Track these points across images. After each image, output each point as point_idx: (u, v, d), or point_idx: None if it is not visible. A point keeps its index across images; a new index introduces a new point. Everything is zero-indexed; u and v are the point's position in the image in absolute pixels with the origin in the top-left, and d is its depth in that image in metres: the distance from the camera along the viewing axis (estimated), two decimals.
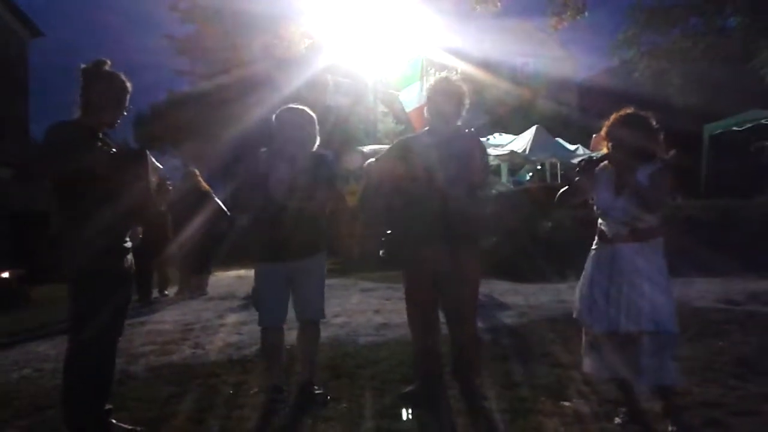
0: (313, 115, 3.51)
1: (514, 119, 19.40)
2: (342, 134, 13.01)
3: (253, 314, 4.11)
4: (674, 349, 2.83)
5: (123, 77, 2.86)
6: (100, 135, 2.85)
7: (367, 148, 9.61)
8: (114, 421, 2.91)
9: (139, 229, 3.25)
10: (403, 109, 7.73)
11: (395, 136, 9.51)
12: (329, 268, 3.72)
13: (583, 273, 3.03)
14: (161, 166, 3.10)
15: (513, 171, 16.55)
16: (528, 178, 16.85)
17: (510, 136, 16.01)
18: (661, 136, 2.95)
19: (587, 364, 2.98)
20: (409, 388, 3.40)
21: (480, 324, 4.16)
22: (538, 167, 16.47)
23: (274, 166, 3.37)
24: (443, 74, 3.60)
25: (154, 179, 2.95)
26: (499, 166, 14.95)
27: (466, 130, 3.51)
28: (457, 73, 4.74)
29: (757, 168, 11.93)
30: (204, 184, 8.59)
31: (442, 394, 3.32)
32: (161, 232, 7.73)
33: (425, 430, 2.98)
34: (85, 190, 2.69)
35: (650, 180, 2.85)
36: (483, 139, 12.07)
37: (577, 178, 3.09)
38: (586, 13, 10.62)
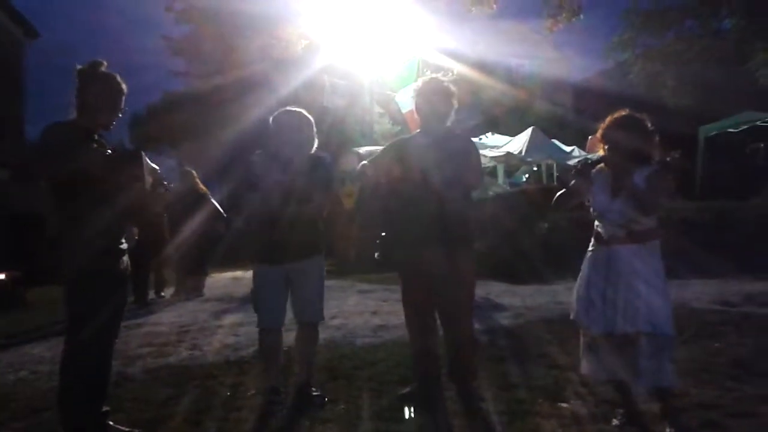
0: (311, 117, 3.51)
1: (509, 120, 19.42)
2: (338, 135, 12.99)
3: (250, 315, 4.11)
4: (672, 351, 2.83)
5: (119, 78, 2.86)
6: (96, 136, 2.84)
7: (363, 150, 9.61)
8: (111, 423, 2.91)
9: (135, 230, 3.24)
10: (399, 110, 7.74)
11: (391, 138, 9.51)
12: (326, 269, 3.71)
13: (580, 274, 3.04)
14: (157, 167, 3.08)
15: (509, 172, 16.56)
16: (524, 179, 16.88)
17: (506, 138, 16.03)
18: (657, 138, 2.96)
19: (585, 365, 2.98)
20: (406, 390, 3.40)
21: (477, 325, 4.16)
22: (534, 168, 16.49)
23: (271, 169, 3.36)
24: (431, 75, 3.60)
25: (149, 180, 2.94)
26: (495, 167, 14.96)
27: (458, 131, 3.52)
28: (453, 74, 4.76)
29: (752, 169, 11.99)
30: (201, 185, 8.56)
31: (440, 395, 3.31)
32: (158, 233, 7.71)
33: (422, 431, 2.98)
34: (81, 191, 2.68)
35: (647, 182, 2.86)
36: (475, 139, 12.15)
37: (573, 181, 3.09)
38: (582, 16, 10.62)
